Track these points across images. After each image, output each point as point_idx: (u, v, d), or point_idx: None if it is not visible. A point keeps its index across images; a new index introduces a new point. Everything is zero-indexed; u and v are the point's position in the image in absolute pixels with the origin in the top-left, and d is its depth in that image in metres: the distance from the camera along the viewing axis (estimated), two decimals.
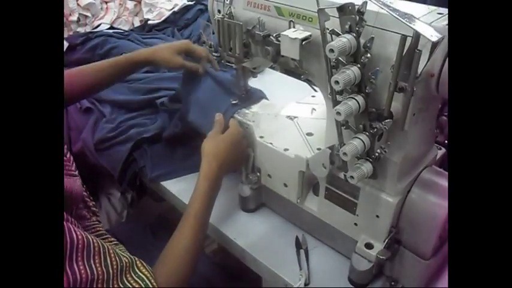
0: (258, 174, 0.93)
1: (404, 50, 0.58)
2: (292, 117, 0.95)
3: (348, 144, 0.65)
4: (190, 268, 0.80)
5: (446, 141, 0.86)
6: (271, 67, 1.60)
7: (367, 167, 0.68)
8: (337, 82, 0.61)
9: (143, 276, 0.72)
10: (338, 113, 0.62)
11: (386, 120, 0.63)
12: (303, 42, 0.70)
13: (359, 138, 0.66)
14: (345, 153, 0.65)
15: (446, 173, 0.78)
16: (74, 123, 1.29)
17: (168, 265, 0.77)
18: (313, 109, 0.98)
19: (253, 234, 0.94)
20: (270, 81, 1.48)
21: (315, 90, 0.94)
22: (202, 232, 0.84)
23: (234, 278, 1.11)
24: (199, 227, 0.82)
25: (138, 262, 0.73)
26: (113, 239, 0.88)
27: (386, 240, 0.75)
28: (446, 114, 0.90)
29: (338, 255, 0.89)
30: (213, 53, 0.95)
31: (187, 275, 0.80)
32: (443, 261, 0.83)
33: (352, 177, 0.67)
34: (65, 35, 1.75)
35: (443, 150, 0.85)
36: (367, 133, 0.66)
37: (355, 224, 0.81)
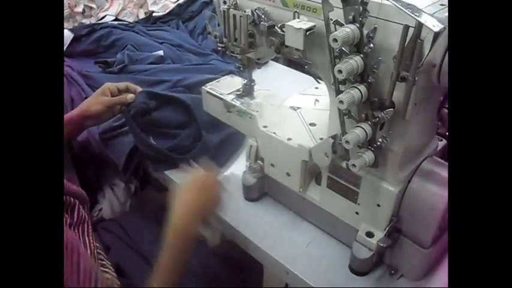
0: (261, 163, 0.94)
1: (407, 41, 0.59)
2: (295, 108, 0.96)
3: (350, 132, 0.67)
4: None
5: (447, 133, 0.87)
6: (275, 60, 1.62)
7: (368, 156, 0.69)
8: (340, 71, 0.62)
9: None
10: (341, 102, 0.64)
11: (387, 110, 0.64)
12: (307, 33, 0.71)
13: (361, 127, 0.67)
14: (347, 142, 0.66)
15: (447, 163, 0.80)
16: None
17: None
18: (317, 100, 0.99)
19: (256, 223, 0.96)
20: (273, 74, 1.50)
21: (318, 82, 0.96)
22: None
23: (237, 269, 1.13)
24: (171, 281, 0.78)
25: None
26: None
27: (387, 228, 0.77)
28: (446, 107, 0.91)
29: (339, 244, 0.90)
30: (218, 44, 0.96)
31: None
32: (443, 251, 0.85)
33: (354, 165, 0.68)
34: (70, 26, 1.77)
35: (445, 141, 0.86)
36: (369, 122, 0.67)
37: (357, 213, 0.82)
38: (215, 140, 1.13)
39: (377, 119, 0.66)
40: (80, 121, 1.09)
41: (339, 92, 0.67)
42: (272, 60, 1.62)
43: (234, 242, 1.00)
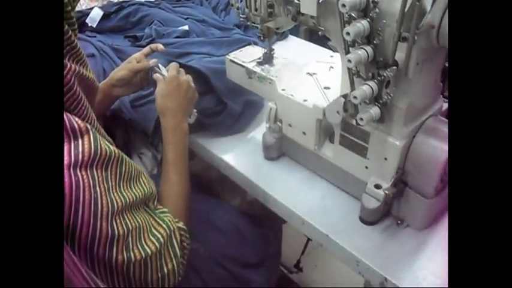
0: (280, 124, 1.03)
1: (408, 4, 0.67)
2: (311, 74, 1.04)
3: (358, 89, 0.74)
4: (187, 201, 0.95)
5: (448, 93, 0.94)
6: (295, 34, 1.69)
7: (375, 111, 0.77)
8: (348, 33, 0.70)
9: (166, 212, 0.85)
10: (349, 61, 0.71)
11: (391, 68, 0.72)
12: (320, 1, 0.78)
13: (368, 84, 0.75)
14: (355, 97, 0.74)
15: None
16: None
17: (170, 207, 0.89)
18: (331, 67, 1.06)
19: (275, 180, 1.05)
20: (293, 47, 1.57)
21: (333, 51, 1.03)
22: (185, 174, 0.98)
23: (257, 224, 1.23)
24: (180, 169, 0.97)
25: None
26: None
27: (393, 179, 0.85)
28: None
29: (350, 198, 0.99)
30: (240, 15, 1.04)
31: (188, 213, 0.93)
32: (445, 203, 0.92)
33: (361, 119, 0.76)
34: (100, 4, 1.86)
35: None
36: (375, 80, 0.75)
37: (366, 167, 0.90)
38: (238, 107, 1.22)
39: (382, 77, 0.74)
40: (108, 89, 1.15)
41: (348, 53, 0.75)
42: (292, 35, 1.71)
43: (255, 199, 1.10)
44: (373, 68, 0.75)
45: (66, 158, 0.64)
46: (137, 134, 1.43)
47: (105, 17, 1.73)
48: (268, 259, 1.21)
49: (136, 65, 1.14)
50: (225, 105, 1.20)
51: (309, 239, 1.78)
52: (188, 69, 1.22)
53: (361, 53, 0.72)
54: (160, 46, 1.17)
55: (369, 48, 0.73)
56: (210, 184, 1.51)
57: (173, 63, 1.11)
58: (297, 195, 1.00)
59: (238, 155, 1.13)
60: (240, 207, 1.35)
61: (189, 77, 1.07)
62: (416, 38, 0.68)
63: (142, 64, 1.15)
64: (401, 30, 0.68)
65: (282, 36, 1.65)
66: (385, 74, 0.73)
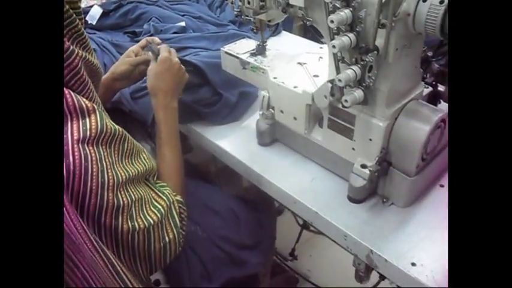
0: (272, 111, 1.10)
1: None
2: (302, 64, 1.11)
3: (342, 73, 0.81)
4: (182, 176, 1.02)
5: (433, 82, 1.00)
6: (289, 30, 1.76)
7: (358, 93, 0.83)
8: (332, 21, 0.77)
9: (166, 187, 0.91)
10: (333, 46, 0.78)
11: (372, 53, 0.78)
12: None
13: (351, 69, 0.81)
14: (340, 80, 0.80)
15: (430, 105, 0.93)
16: None
17: (166, 182, 0.96)
18: (320, 57, 1.13)
19: (268, 163, 1.11)
20: (285, 41, 1.64)
21: (322, 43, 1.10)
22: (178, 150, 1.05)
23: (253, 209, 1.29)
24: (174, 146, 1.05)
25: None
26: None
27: (378, 158, 0.91)
28: (434, 59, 1.03)
29: (339, 179, 1.05)
30: (235, 9, 1.11)
31: (183, 188, 1.00)
32: (426, 182, 0.99)
33: (346, 100, 0.83)
34: (99, 3, 1.92)
35: (430, 89, 1.00)
36: (359, 65, 0.82)
37: (353, 149, 0.97)
38: (233, 98, 1.28)
39: (365, 62, 0.80)
40: (110, 83, 1.21)
41: (332, 40, 0.81)
42: (286, 31, 1.77)
43: (250, 187, 1.16)
44: (356, 54, 0.81)
45: (75, 134, 0.71)
46: (137, 127, 1.49)
47: (104, 14, 1.79)
48: (263, 242, 1.27)
49: (136, 58, 1.20)
50: (220, 96, 1.26)
51: (302, 229, 1.85)
52: (185, 63, 1.28)
53: (345, 39, 0.78)
54: (156, 39, 1.23)
55: (351, 35, 0.79)
56: (207, 175, 1.57)
57: (164, 45, 1.17)
58: (288, 177, 1.06)
59: (234, 142, 1.20)
60: (237, 193, 1.41)
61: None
62: (393, 24, 0.74)
63: (141, 57, 1.20)
64: (380, 18, 0.75)
65: (276, 32, 1.71)
66: (367, 59, 0.80)
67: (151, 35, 1.56)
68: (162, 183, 0.93)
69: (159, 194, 0.89)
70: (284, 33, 1.74)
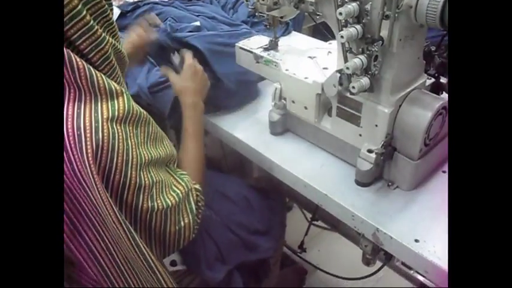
0: (284, 101, 1.17)
1: None
2: (312, 57, 1.18)
3: (350, 61, 0.88)
4: (203, 169, 1.08)
5: (436, 74, 1.07)
6: (298, 31, 1.83)
7: (365, 81, 0.90)
8: (340, 13, 0.84)
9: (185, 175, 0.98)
10: (342, 37, 0.85)
11: (377, 42, 0.85)
12: None
13: (358, 58, 0.88)
14: (347, 68, 0.87)
15: (432, 94, 1.00)
16: (129, 72, 1.53)
17: (188, 171, 1.01)
18: (329, 52, 1.20)
19: (280, 151, 1.18)
20: (296, 40, 1.71)
21: (331, 38, 1.17)
22: (201, 144, 1.12)
23: (264, 196, 1.36)
24: (198, 140, 1.11)
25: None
26: None
27: (383, 142, 0.98)
28: (436, 54, 1.10)
29: (347, 165, 1.12)
30: (249, 6, 1.18)
31: (203, 178, 1.06)
32: (429, 166, 1.05)
33: (353, 87, 0.89)
34: (117, 4, 2.00)
35: (433, 80, 1.07)
36: (365, 55, 0.89)
37: (360, 135, 1.03)
38: (232, 85, 1.34)
39: (371, 51, 0.87)
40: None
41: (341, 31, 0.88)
42: (296, 31, 1.85)
43: (260, 176, 1.23)
44: (362, 44, 0.88)
45: (105, 113, 0.77)
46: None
47: (122, 15, 1.87)
48: (274, 228, 1.34)
49: (140, 40, 1.29)
50: (219, 81, 1.32)
51: (310, 224, 1.91)
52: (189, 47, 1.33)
53: (352, 30, 0.85)
54: (157, 20, 1.30)
55: (358, 27, 0.86)
56: (220, 168, 1.65)
57: (185, 50, 1.26)
58: (299, 163, 1.13)
59: (248, 132, 1.27)
60: (249, 181, 1.49)
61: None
62: (397, 16, 0.81)
63: (144, 38, 1.30)
64: (385, 10, 0.82)
65: (286, 31, 1.79)
66: (373, 49, 0.87)
67: (168, 34, 1.64)
68: (182, 172, 0.98)
69: (179, 180, 0.94)
70: (294, 33, 1.82)
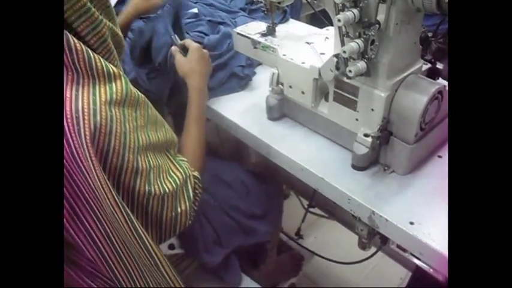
0: (281, 86, 1.17)
1: None
2: (309, 43, 1.19)
3: (347, 45, 0.89)
4: (203, 155, 1.08)
5: (432, 60, 1.08)
6: (296, 18, 1.84)
7: (361, 65, 0.91)
8: None
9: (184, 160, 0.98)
10: (338, 20, 0.86)
11: (373, 26, 0.86)
12: None
13: (355, 41, 0.89)
14: (344, 51, 0.88)
15: (428, 79, 1.01)
16: (127, 58, 1.54)
17: (188, 157, 1.02)
18: (327, 38, 1.21)
19: (277, 136, 1.19)
20: (293, 27, 1.71)
21: (328, 24, 1.17)
22: (204, 130, 1.11)
23: (261, 181, 1.37)
24: (201, 126, 1.11)
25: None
26: None
27: (379, 126, 0.99)
28: (433, 39, 1.11)
29: (343, 149, 1.13)
30: None
31: (203, 164, 1.06)
32: (425, 151, 1.06)
33: (350, 71, 0.90)
34: None
35: (429, 65, 1.07)
36: (362, 39, 0.89)
37: (356, 120, 1.04)
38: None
39: (367, 35, 0.88)
40: (130, 19, 1.38)
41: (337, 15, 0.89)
42: (293, 18, 1.85)
43: (258, 162, 1.24)
44: (359, 28, 0.89)
45: (103, 96, 0.77)
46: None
47: (120, 2, 1.87)
48: (271, 212, 1.35)
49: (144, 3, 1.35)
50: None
51: (307, 211, 1.93)
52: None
53: (349, 14, 0.86)
54: None
55: (355, 11, 0.87)
56: (217, 154, 1.65)
57: (188, 39, 1.26)
58: (296, 148, 1.14)
59: (245, 117, 1.28)
60: (247, 167, 1.50)
61: None
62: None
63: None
64: None
65: (284, 19, 1.79)
66: (369, 33, 0.87)
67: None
68: (182, 158, 0.99)
69: (177, 166, 0.94)
70: (292, 20, 1.82)
